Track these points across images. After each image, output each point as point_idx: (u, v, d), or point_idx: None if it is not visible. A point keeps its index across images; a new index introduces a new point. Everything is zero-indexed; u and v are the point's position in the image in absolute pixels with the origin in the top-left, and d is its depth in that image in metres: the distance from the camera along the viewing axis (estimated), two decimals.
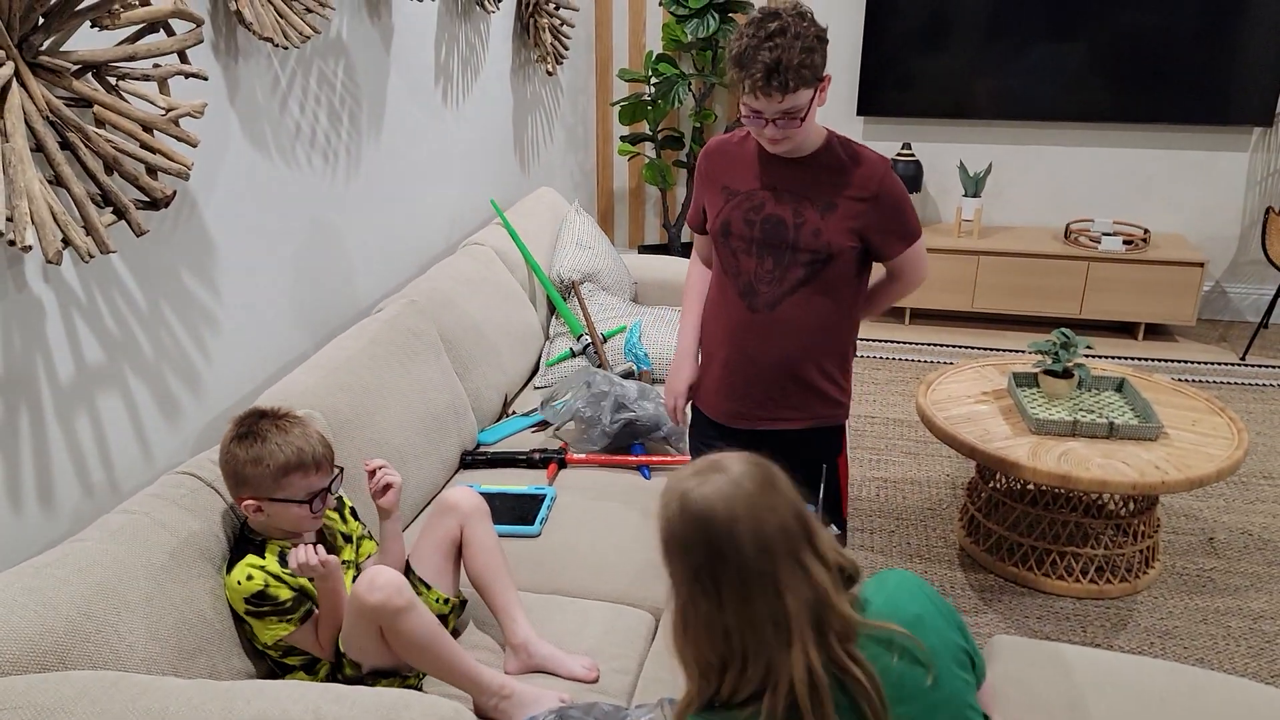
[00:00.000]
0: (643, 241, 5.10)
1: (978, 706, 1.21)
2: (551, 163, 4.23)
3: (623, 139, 4.60)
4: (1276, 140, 4.24)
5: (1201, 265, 4.07)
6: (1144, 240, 4.20)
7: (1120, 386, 2.72)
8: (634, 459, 2.45)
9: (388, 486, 1.79)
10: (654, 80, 4.39)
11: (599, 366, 2.86)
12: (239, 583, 1.63)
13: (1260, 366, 4.02)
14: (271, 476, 1.62)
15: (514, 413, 2.76)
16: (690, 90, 4.35)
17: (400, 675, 1.73)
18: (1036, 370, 2.72)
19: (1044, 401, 2.66)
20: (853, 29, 4.46)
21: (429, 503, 2.32)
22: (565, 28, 3.97)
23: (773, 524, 1.11)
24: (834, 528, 2.11)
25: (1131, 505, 2.59)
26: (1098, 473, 2.33)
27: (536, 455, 2.47)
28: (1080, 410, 2.60)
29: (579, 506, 2.29)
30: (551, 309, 3.17)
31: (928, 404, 2.72)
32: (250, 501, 1.64)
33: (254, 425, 1.66)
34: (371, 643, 1.65)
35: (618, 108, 4.58)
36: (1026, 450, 2.45)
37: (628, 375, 2.79)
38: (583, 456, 2.47)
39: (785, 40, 1.70)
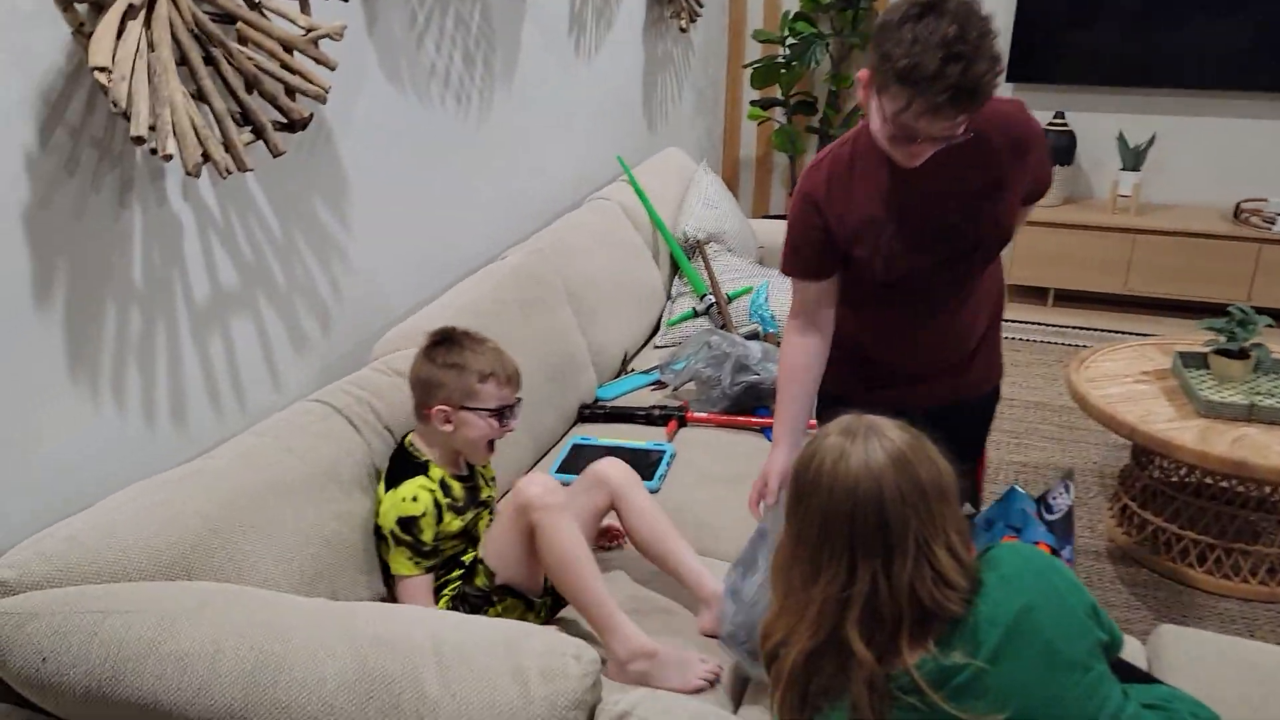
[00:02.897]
0: (767, 212, 4.95)
1: (1114, 694, 1.07)
2: (679, 125, 4.13)
3: (753, 103, 4.46)
4: None
5: None
6: None
7: None
8: (758, 420, 2.34)
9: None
10: (790, 41, 4.23)
11: (722, 327, 2.76)
12: (404, 499, 1.62)
13: None
14: (470, 382, 1.64)
15: (633, 370, 2.68)
16: (828, 51, 4.18)
17: (526, 601, 1.67)
18: (1207, 350, 2.48)
19: (1214, 384, 2.43)
20: None
21: (546, 453, 2.27)
22: None
23: (897, 514, 1.03)
24: (969, 506, 1.97)
25: None
26: (1279, 461, 2.10)
27: (656, 411, 2.39)
28: (1257, 394, 2.36)
29: (699, 465, 2.20)
30: (675, 268, 3.08)
31: (1081, 380, 2.51)
32: (442, 408, 1.64)
33: (450, 335, 1.70)
34: (514, 546, 1.63)
35: (749, 70, 4.44)
36: (1194, 434, 2.23)
37: (752, 336, 2.68)
38: (704, 415, 2.38)
39: (967, 48, 1.35)
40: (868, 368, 1.79)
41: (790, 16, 4.28)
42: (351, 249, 2.05)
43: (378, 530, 1.65)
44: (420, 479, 1.65)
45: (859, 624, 1.02)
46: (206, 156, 1.51)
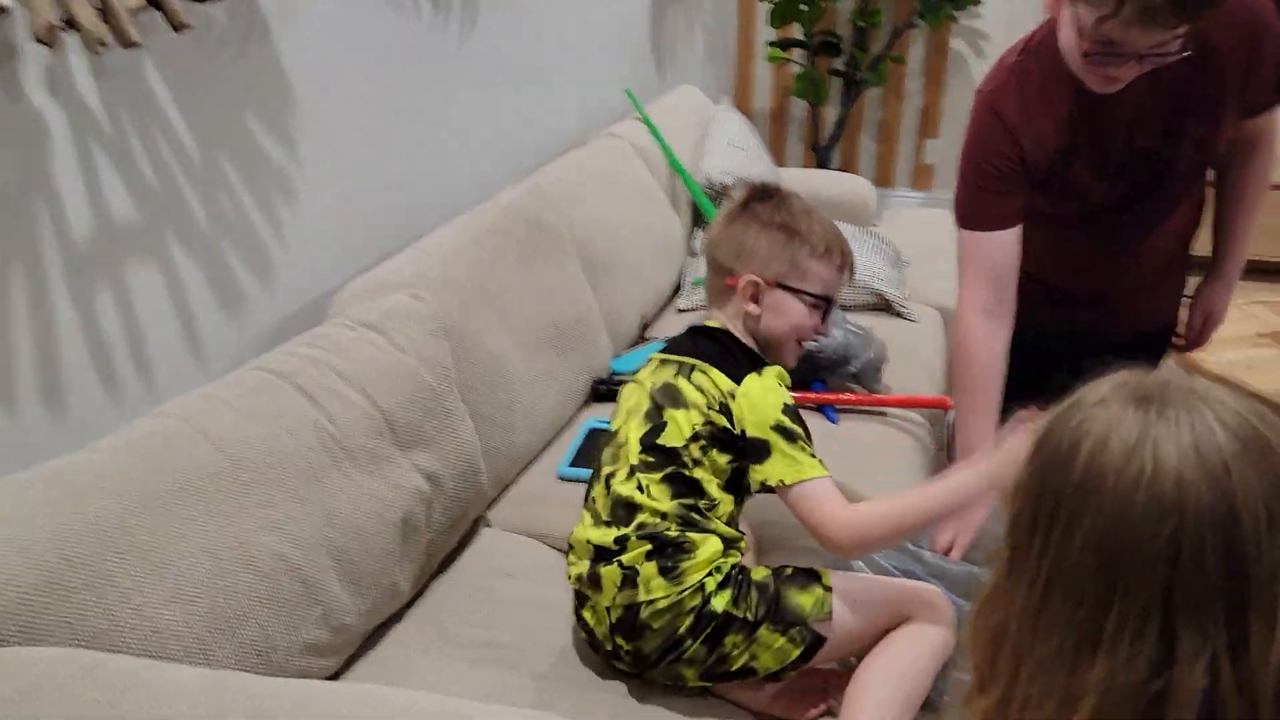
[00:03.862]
0: (783, 167, 4.50)
1: None
2: (689, 69, 3.67)
3: (770, 44, 4.00)
4: None
5: None
6: None
7: None
8: (814, 396, 1.90)
9: None
10: None
11: None
12: (779, 383, 1.21)
13: None
14: (798, 253, 1.24)
15: (653, 337, 2.25)
16: None
17: (804, 656, 1.16)
18: None
19: None
20: None
21: (552, 440, 1.83)
22: None
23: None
24: None
25: None
26: None
27: None
28: None
29: None
30: (696, 219, 2.63)
31: None
32: (753, 279, 1.24)
33: (776, 191, 1.30)
34: (871, 624, 1.17)
35: (767, 6, 3.98)
36: None
37: None
38: None
39: None
40: (1039, 289, 1.46)
41: None
42: (300, 180, 1.60)
43: (717, 437, 1.19)
44: (774, 368, 1.23)
45: None
46: (71, 23, 1.06)
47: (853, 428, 1.81)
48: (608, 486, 1.24)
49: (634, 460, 1.23)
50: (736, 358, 1.24)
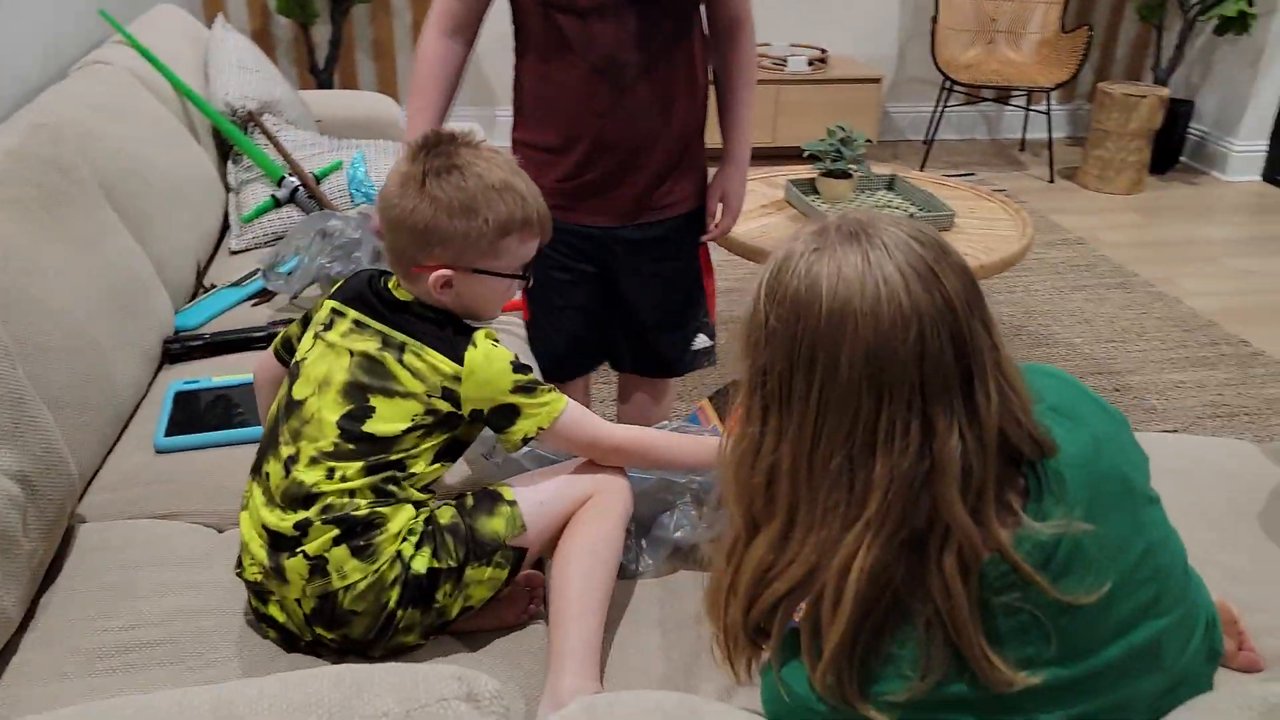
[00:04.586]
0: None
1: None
2: None
3: None
4: None
5: (878, 81, 4.17)
6: (822, 60, 4.20)
7: (891, 184, 2.62)
8: None
9: None
10: None
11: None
12: (495, 345, 1.15)
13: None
14: (488, 236, 1.13)
15: (214, 286, 2.03)
16: None
17: (513, 572, 1.18)
18: (815, 174, 2.53)
19: (828, 206, 2.49)
20: None
21: (134, 411, 1.59)
22: None
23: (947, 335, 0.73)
24: (704, 338, 1.80)
25: None
26: None
27: (276, 332, 1.81)
28: (882, 208, 2.46)
29: None
30: (223, 148, 2.39)
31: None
32: (444, 273, 1.13)
33: (449, 151, 1.13)
34: (560, 510, 1.20)
35: None
36: None
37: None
38: None
39: None
40: (560, 168, 1.57)
41: None
42: None
43: (441, 422, 1.13)
44: (481, 331, 1.17)
45: (946, 493, 0.72)
46: None
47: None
48: (287, 470, 1.10)
49: (327, 446, 1.10)
50: (448, 334, 1.14)
